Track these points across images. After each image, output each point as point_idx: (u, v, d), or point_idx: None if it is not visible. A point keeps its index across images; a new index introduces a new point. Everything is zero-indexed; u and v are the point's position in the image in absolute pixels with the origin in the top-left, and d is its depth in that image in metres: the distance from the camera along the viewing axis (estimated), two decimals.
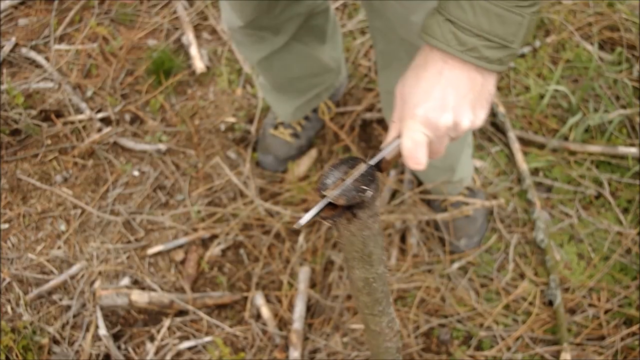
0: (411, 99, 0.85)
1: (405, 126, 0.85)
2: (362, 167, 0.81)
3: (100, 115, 2.22)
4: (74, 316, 1.83)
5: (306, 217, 0.79)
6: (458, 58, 0.83)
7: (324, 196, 0.79)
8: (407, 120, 0.85)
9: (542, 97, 2.20)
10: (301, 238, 1.94)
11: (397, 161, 0.88)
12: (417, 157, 0.84)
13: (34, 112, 2.20)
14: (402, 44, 1.46)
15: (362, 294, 0.99)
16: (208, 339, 1.79)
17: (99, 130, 2.17)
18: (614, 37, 2.31)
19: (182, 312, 1.84)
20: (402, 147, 0.85)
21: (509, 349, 1.75)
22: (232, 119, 2.23)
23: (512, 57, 0.84)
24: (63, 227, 1.99)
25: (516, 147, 2.07)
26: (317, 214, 0.80)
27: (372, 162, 0.84)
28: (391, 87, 1.68)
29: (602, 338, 1.76)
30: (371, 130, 2.17)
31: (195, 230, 1.98)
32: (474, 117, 0.87)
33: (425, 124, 0.84)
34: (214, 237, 1.97)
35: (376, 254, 0.89)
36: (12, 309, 1.84)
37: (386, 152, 0.86)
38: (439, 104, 0.83)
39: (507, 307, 1.82)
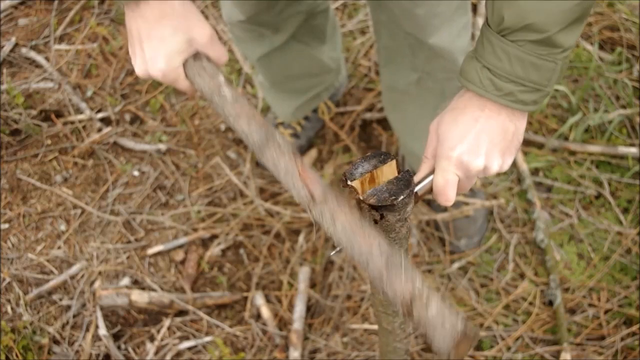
0: (447, 140, 0.90)
1: (439, 166, 0.91)
2: (392, 164, 0.82)
3: (100, 115, 2.22)
4: (74, 316, 1.83)
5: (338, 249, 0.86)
6: (495, 103, 0.88)
7: (348, 185, 0.79)
8: (442, 160, 0.90)
9: None
10: (301, 238, 1.94)
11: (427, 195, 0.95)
12: (447, 195, 0.91)
13: (34, 112, 2.20)
14: (406, 39, 1.47)
15: (378, 292, 1.00)
16: (208, 339, 1.79)
17: (99, 130, 2.17)
18: (614, 37, 2.31)
19: (182, 312, 1.84)
20: (435, 185, 0.91)
21: (509, 349, 1.75)
22: None
23: (545, 97, 0.89)
24: (63, 227, 1.99)
25: None
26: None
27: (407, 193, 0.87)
28: (393, 83, 1.69)
29: (602, 338, 1.76)
30: (371, 130, 2.17)
31: (195, 230, 1.98)
32: (502, 162, 0.93)
33: (458, 165, 0.90)
34: (214, 237, 1.97)
35: None
36: (12, 309, 1.84)
37: (419, 187, 0.92)
38: (472, 149, 0.89)
39: (507, 307, 1.82)
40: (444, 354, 0.67)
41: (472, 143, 0.89)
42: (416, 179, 0.92)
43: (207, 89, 0.92)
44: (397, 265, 0.69)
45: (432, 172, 0.92)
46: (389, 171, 0.82)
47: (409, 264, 0.70)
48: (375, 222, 0.81)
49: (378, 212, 0.79)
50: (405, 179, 0.80)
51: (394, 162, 0.82)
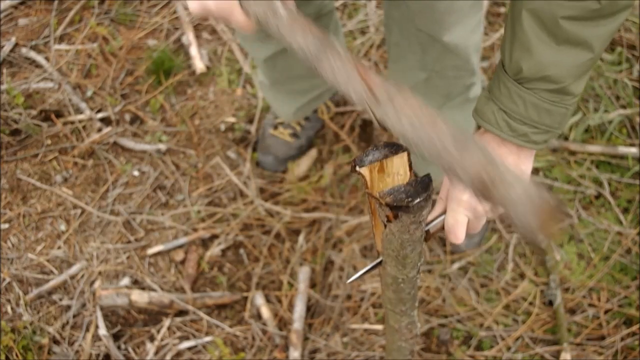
0: (458, 184, 0.94)
1: (450, 207, 0.96)
2: (404, 156, 0.82)
3: (100, 115, 2.22)
4: (74, 316, 1.83)
5: (357, 275, 0.97)
6: (500, 147, 0.94)
7: (356, 172, 0.80)
8: (452, 202, 0.96)
9: None
10: (301, 238, 1.94)
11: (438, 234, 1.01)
12: (456, 234, 0.97)
13: (34, 112, 2.20)
14: (417, 36, 1.47)
15: (388, 289, 1.01)
16: (208, 339, 1.79)
17: (99, 130, 2.17)
18: (614, 37, 2.31)
19: (182, 312, 1.84)
20: (446, 224, 0.98)
21: (509, 349, 1.75)
22: (232, 119, 2.23)
23: (555, 137, 0.96)
24: (63, 227, 1.99)
25: None
26: (369, 270, 0.95)
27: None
28: (400, 81, 1.69)
29: (602, 338, 1.76)
30: (371, 131, 2.17)
31: (195, 230, 1.98)
32: None
33: (467, 207, 0.95)
34: (214, 237, 1.97)
35: (411, 259, 0.91)
36: (12, 309, 1.84)
37: (431, 225, 0.98)
38: None
39: (507, 307, 1.82)
40: (530, 227, 0.62)
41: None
42: (430, 218, 0.99)
43: (262, 12, 0.87)
44: (470, 144, 0.65)
45: (444, 212, 0.98)
46: (399, 163, 0.81)
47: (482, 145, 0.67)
48: (389, 220, 0.81)
49: (393, 211, 0.79)
50: (424, 182, 0.80)
51: (405, 154, 0.81)
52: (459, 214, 0.96)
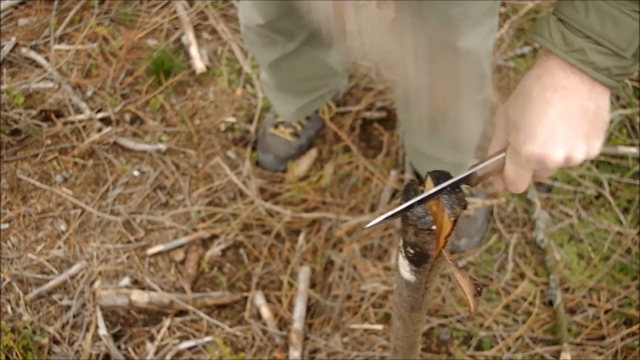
0: (517, 134, 0.80)
1: (511, 159, 0.82)
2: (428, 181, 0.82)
3: (100, 115, 2.22)
4: (74, 316, 1.83)
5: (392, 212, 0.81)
6: (571, 79, 0.78)
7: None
8: (513, 154, 0.81)
9: None
10: (301, 238, 1.94)
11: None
12: (518, 187, 0.83)
13: (34, 112, 2.20)
14: (428, 45, 1.46)
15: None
16: (208, 339, 1.79)
17: (99, 130, 2.17)
18: None
19: (182, 312, 1.84)
20: (506, 175, 0.83)
21: (509, 349, 1.75)
22: (232, 119, 2.23)
23: (622, 71, 0.77)
24: (63, 227, 1.99)
25: None
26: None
27: (464, 174, 0.82)
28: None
29: (602, 338, 1.76)
30: (371, 130, 2.17)
31: (195, 230, 1.98)
32: (588, 148, 0.81)
33: (532, 162, 0.80)
34: (214, 237, 1.97)
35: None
36: (12, 309, 1.84)
37: (479, 167, 0.83)
38: (547, 140, 0.78)
39: (507, 307, 1.82)
40: None
41: (546, 134, 0.77)
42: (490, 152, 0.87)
43: None
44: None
45: (500, 152, 0.83)
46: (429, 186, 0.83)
47: None
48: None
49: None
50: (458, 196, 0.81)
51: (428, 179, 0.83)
52: (521, 167, 0.81)
